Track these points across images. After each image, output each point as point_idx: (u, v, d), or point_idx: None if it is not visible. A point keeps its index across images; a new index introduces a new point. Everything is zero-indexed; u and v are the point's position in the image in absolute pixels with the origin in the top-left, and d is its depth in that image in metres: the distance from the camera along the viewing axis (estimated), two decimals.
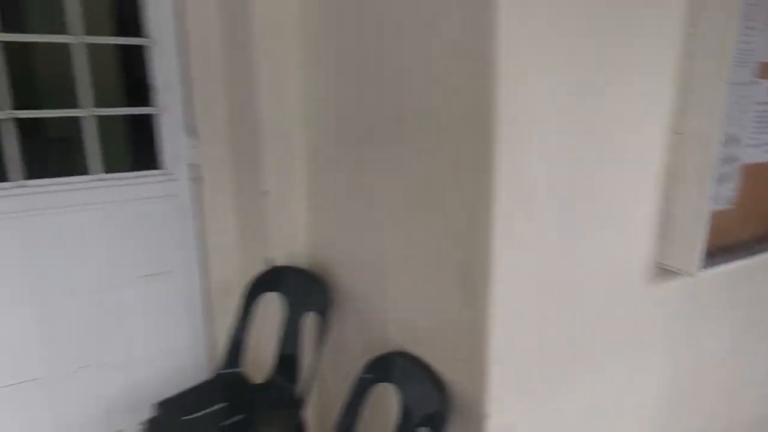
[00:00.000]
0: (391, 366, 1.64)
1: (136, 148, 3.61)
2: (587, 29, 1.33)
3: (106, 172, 2.06)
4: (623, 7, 1.37)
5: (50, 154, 1.87)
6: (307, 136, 2.03)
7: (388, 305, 1.75)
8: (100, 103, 2.01)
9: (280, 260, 2.09)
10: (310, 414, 2.11)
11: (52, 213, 1.97)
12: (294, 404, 1.95)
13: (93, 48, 1.97)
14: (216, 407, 1.95)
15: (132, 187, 2.10)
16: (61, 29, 1.88)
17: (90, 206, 2.03)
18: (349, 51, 1.76)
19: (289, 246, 2.10)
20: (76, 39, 1.90)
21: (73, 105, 1.95)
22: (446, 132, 1.40)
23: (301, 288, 2.04)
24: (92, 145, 2.02)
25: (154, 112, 2.09)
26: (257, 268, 2.12)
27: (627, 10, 1.38)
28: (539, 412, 1.55)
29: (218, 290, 2.32)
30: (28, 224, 1.94)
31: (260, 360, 2.12)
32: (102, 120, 2.04)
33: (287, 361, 2.03)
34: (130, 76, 4.29)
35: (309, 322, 2.01)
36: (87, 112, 1.97)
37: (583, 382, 1.63)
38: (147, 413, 1.93)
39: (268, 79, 1.93)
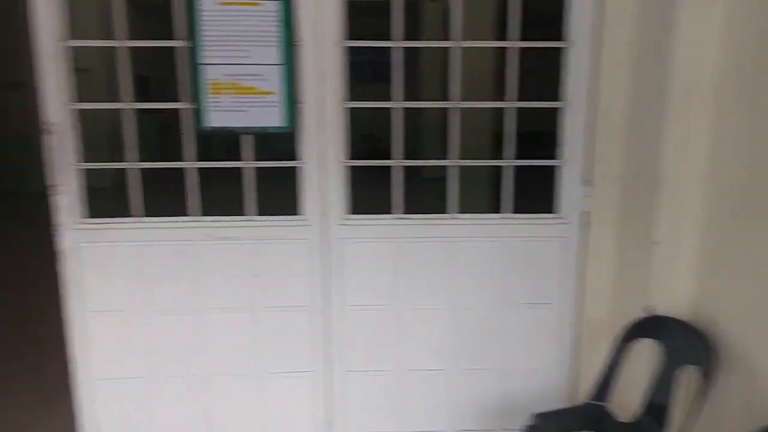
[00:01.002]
0: None
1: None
2: None
3: (513, 212, 2.45)
4: None
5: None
6: (706, 191, 2.07)
7: None
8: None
9: (659, 309, 2.17)
10: None
11: (470, 241, 2.45)
12: None
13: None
14: None
15: (529, 226, 2.46)
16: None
17: (496, 239, 2.45)
18: None
19: (671, 296, 2.16)
20: (510, 104, 2.38)
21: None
22: None
23: (683, 340, 2.07)
24: (507, 189, 2.44)
25: (557, 164, 2.43)
26: (630, 312, 2.23)
27: None
28: None
29: (588, 327, 2.52)
30: (453, 248, 2.45)
31: (625, 400, 2.20)
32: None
33: (656, 409, 2.07)
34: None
35: (685, 374, 2.03)
36: (507, 162, 2.42)
37: None
38: (517, 420, 2.20)
39: (673, 138, 2.05)
